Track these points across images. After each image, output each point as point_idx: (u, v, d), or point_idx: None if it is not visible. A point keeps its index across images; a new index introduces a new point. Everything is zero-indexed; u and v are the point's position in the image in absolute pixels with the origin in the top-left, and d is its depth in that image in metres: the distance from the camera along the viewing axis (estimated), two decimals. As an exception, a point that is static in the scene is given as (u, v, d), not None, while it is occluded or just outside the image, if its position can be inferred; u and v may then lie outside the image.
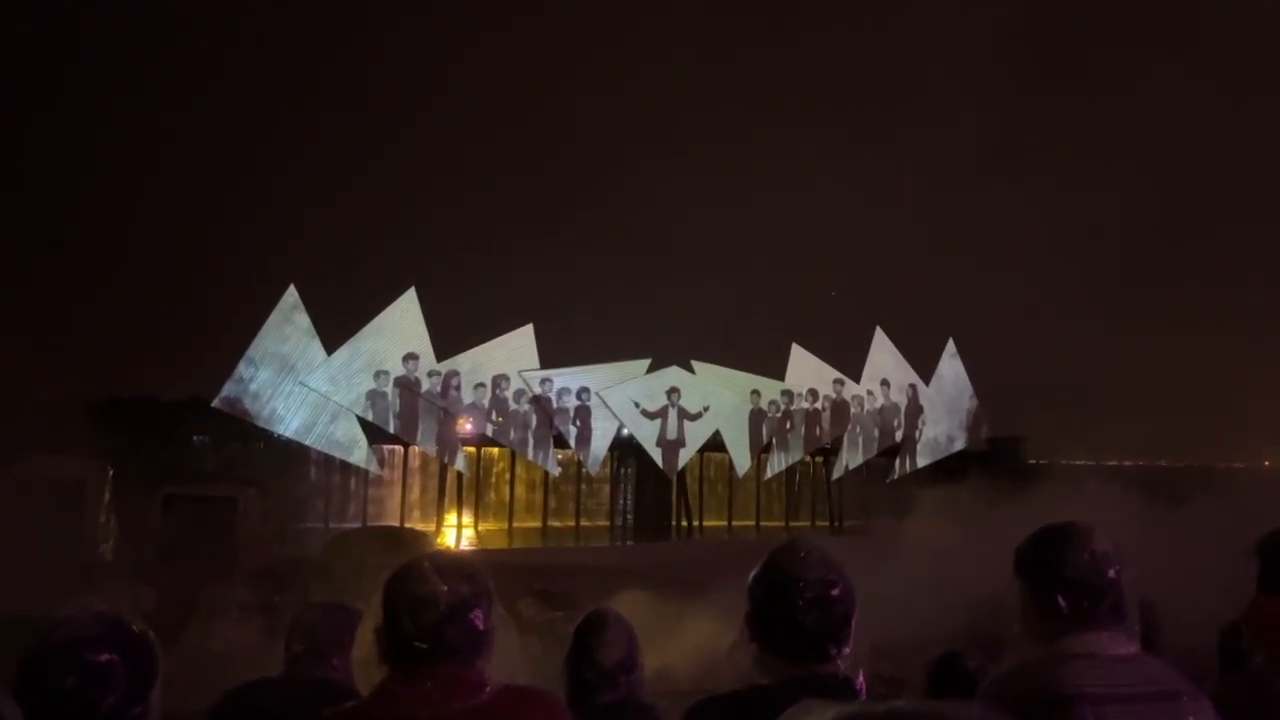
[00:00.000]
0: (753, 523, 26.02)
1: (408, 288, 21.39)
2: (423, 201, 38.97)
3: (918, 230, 37.24)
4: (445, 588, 1.93)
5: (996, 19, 40.08)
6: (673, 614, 10.11)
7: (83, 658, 1.78)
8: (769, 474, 25.70)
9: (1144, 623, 2.13)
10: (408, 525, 20.84)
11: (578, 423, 22.77)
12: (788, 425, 25.12)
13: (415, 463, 23.36)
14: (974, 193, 35.45)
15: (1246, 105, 37.71)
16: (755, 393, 24.72)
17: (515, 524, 24.22)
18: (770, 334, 28.34)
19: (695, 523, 25.36)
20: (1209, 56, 36.93)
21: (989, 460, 25.72)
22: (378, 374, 20.98)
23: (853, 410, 25.78)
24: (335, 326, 21.05)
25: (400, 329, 21.27)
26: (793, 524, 25.97)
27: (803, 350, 25.33)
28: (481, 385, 21.88)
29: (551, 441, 22.84)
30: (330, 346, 20.80)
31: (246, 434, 21.16)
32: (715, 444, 24.40)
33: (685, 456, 23.87)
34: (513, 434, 22.44)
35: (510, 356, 22.21)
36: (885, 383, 26.35)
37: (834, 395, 25.61)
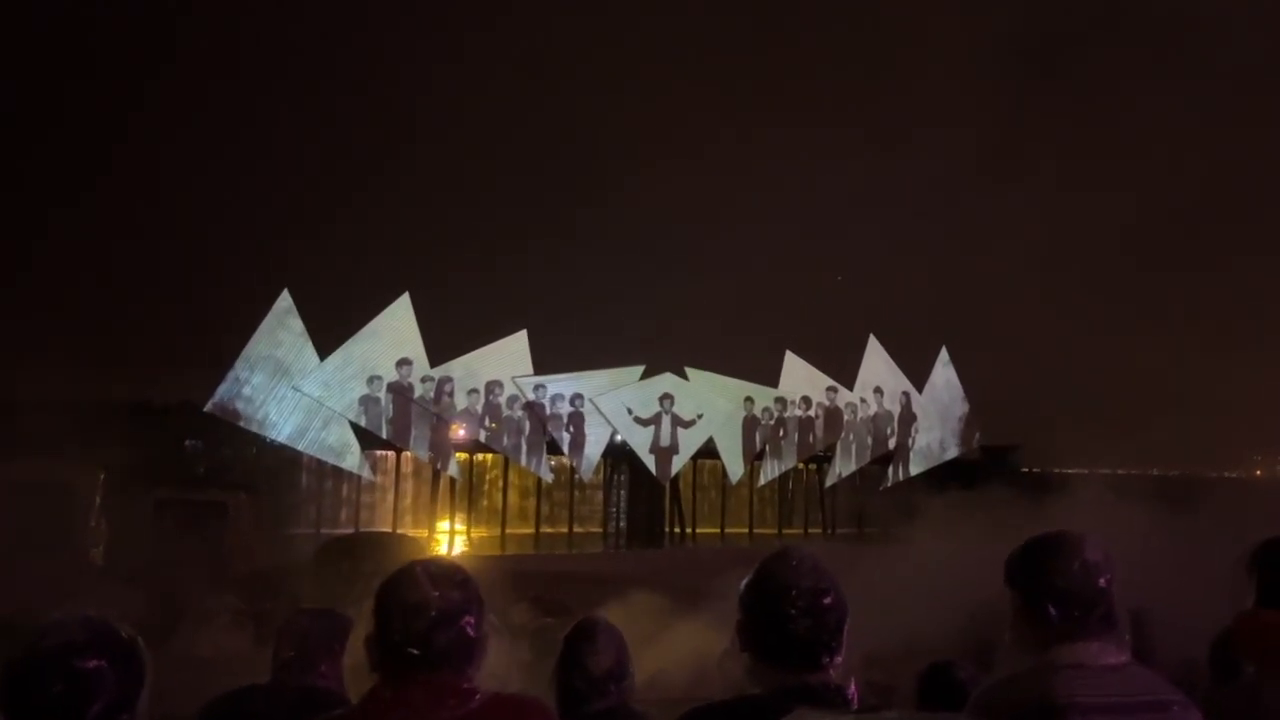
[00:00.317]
0: (746, 530, 26.04)
1: (401, 292, 21.42)
2: (417, 206, 39.01)
3: (917, 231, 37.26)
4: (437, 594, 1.92)
5: (996, 20, 40.24)
6: (665, 621, 10.08)
7: (71, 664, 1.75)
8: (762, 481, 25.74)
9: (1135, 632, 2.13)
10: (400, 531, 20.76)
11: (571, 429, 22.76)
12: (781, 432, 25.14)
13: (408, 469, 23.34)
14: (974, 193, 35.49)
15: (1247, 106, 37.81)
16: (749, 400, 24.75)
17: (508, 530, 24.22)
18: (765, 337, 28.37)
19: (688, 530, 25.38)
20: (1209, 57, 37.00)
21: (983, 468, 25.73)
22: (371, 379, 20.96)
23: (846, 418, 25.82)
24: (329, 331, 21.07)
25: (394, 334, 21.25)
26: (786, 531, 26.00)
27: (796, 357, 25.39)
28: (475, 391, 21.86)
29: (545, 448, 22.83)
30: (324, 351, 20.77)
31: (238, 439, 21.10)
32: (708, 451, 24.43)
33: (678, 463, 23.88)
34: (506, 440, 22.41)
35: (504, 362, 22.20)
36: (879, 390, 26.38)
37: (827, 402, 25.64)
